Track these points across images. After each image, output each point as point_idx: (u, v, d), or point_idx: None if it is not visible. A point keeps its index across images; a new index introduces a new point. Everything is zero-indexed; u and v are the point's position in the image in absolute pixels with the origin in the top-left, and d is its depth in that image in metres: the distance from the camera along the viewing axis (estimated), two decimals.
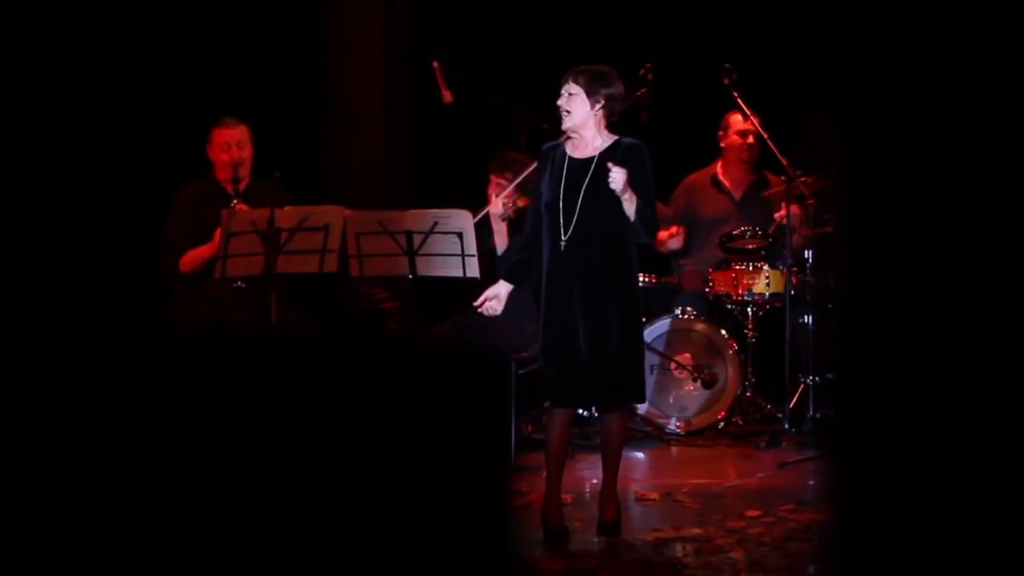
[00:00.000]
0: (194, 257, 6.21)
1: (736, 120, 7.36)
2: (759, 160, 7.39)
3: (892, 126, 2.00)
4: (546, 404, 5.25)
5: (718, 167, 7.52)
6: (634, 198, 4.94)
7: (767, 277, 7.04)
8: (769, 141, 7.07)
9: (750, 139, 7.36)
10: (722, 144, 7.50)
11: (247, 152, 6.31)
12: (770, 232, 7.05)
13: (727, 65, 7.03)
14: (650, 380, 7.08)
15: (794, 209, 6.89)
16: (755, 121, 7.13)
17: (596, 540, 4.97)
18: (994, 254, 1.97)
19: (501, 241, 6.10)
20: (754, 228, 7.08)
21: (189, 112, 6.76)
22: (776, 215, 7.07)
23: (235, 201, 6.12)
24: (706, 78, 7.33)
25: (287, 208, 5.94)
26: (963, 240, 1.98)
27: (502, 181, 6.30)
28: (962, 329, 1.98)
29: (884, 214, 2.02)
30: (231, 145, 6.29)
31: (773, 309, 7.10)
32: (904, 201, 2.00)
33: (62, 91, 5.93)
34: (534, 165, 5.49)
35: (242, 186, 6.21)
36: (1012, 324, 1.96)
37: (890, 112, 2.00)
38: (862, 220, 2.04)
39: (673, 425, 7.04)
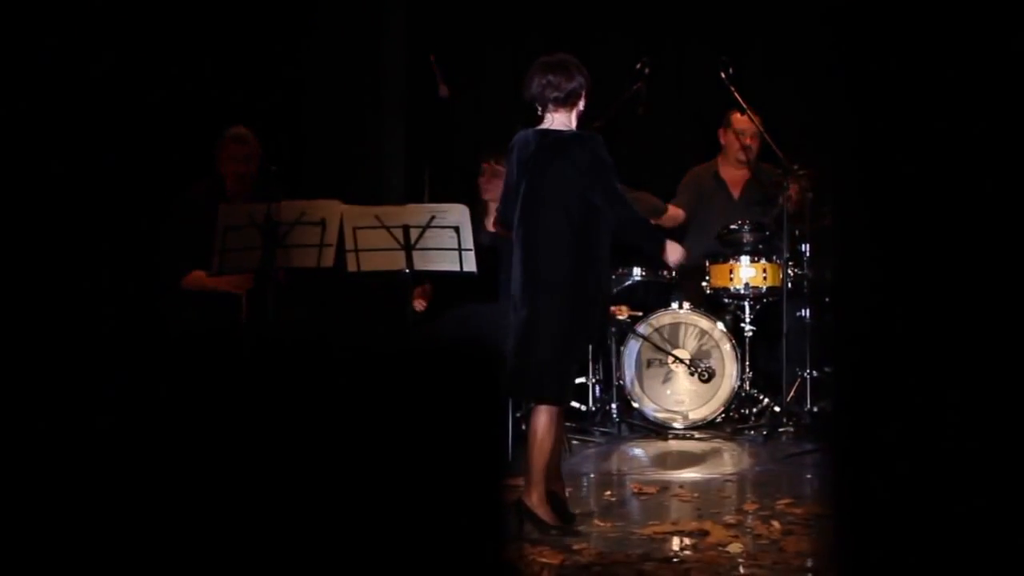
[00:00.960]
0: (198, 283, 6.21)
1: (735, 119, 7.35)
2: (759, 153, 7.38)
3: (888, 118, 2.00)
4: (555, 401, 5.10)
5: (719, 163, 7.53)
6: None
7: (764, 270, 7.04)
8: (766, 135, 7.06)
9: (747, 139, 7.35)
10: (722, 141, 7.50)
11: (253, 167, 6.35)
12: (777, 201, 6.98)
13: (723, 57, 7.01)
14: (648, 374, 7.09)
15: (793, 190, 6.86)
16: (751, 115, 7.12)
17: (594, 534, 4.97)
18: (991, 247, 1.97)
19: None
20: (751, 222, 7.08)
21: (187, 107, 6.75)
22: (781, 198, 7.00)
23: None
24: (703, 71, 7.33)
25: (284, 202, 5.94)
26: (960, 232, 1.97)
27: (499, 168, 6.35)
28: (960, 322, 1.98)
29: (881, 207, 2.01)
30: (238, 159, 6.35)
31: (770, 303, 7.10)
32: (901, 193, 2.00)
33: (60, 88, 5.92)
34: None
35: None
36: (1010, 317, 1.96)
37: (887, 104, 2.00)
38: (859, 213, 2.04)
39: (671, 419, 7.04)
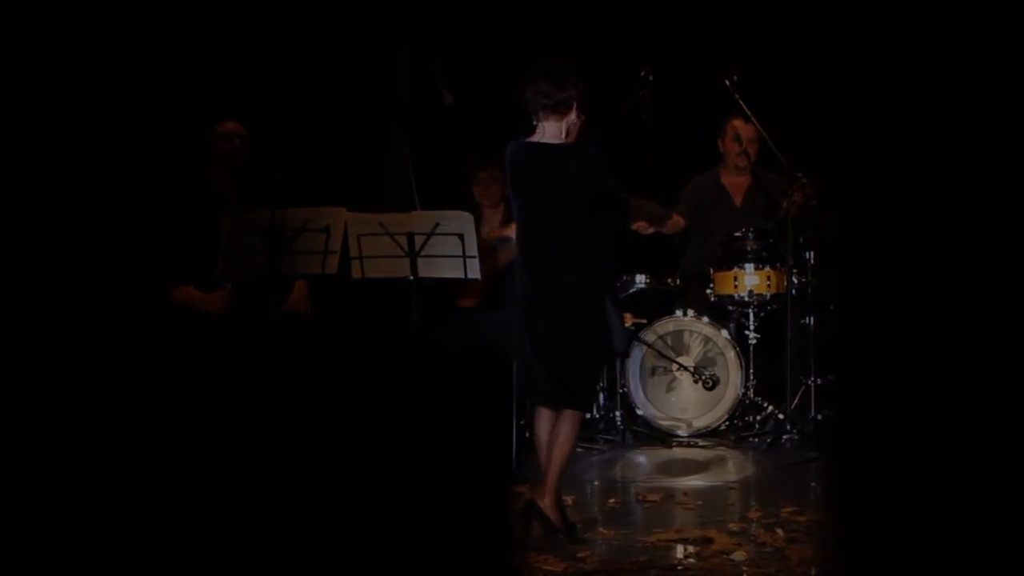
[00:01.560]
0: (187, 299, 6.22)
1: (733, 126, 7.36)
2: (761, 159, 7.38)
3: (895, 126, 2.00)
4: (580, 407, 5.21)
5: (720, 171, 7.54)
6: None
7: (768, 278, 7.03)
8: (769, 141, 7.05)
9: (745, 145, 7.35)
10: (721, 149, 7.51)
11: (243, 156, 6.39)
12: (781, 207, 6.98)
13: (728, 64, 7.01)
14: (652, 382, 7.09)
15: (797, 196, 6.86)
16: (755, 121, 7.12)
17: (598, 541, 4.97)
18: (996, 255, 1.97)
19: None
20: (755, 229, 7.08)
21: (190, 114, 6.76)
22: (785, 203, 6.99)
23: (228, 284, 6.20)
24: (707, 78, 7.33)
25: (288, 209, 5.94)
26: (965, 241, 1.97)
27: (496, 174, 6.37)
28: (963, 330, 1.97)
29: (886, 215, 2.01)
30: (234, 136, 6.40)
31: (775, 310, 7.10)
32: (906, 202, 2.00)
33: (64, 89, 5.93)
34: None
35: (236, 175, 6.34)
36: (1014, 326, 1.96)
37: (893, 112, 2.00)
38: (864, 222, 2.04)
39: (675, 426, 7.04)
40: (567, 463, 5.08)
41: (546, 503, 4.97)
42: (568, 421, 5.06)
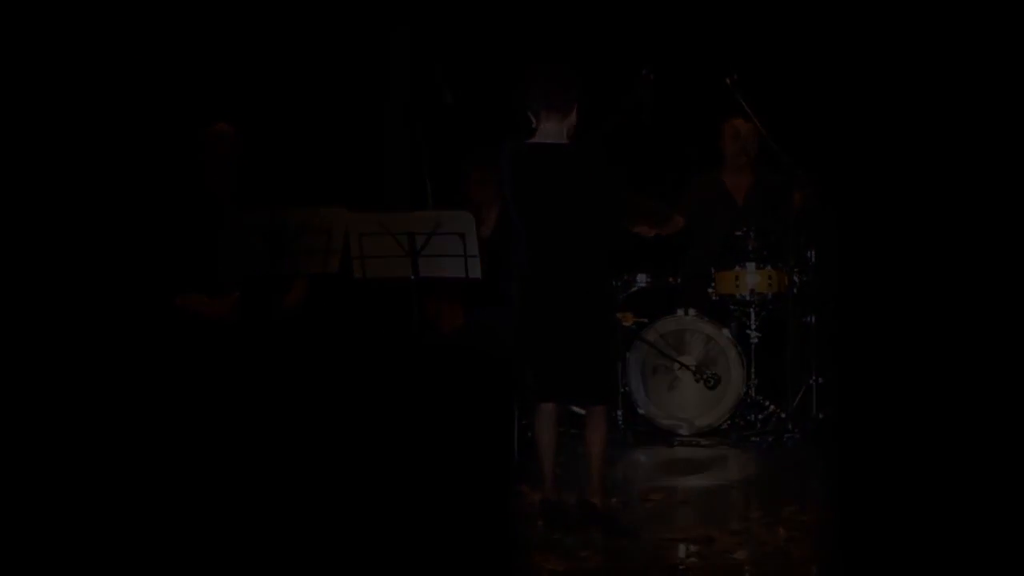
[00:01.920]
0: (192, 306, 6.23)
1: (732, 125, 7.38)
2: (762, 160, 7.39)
3: (892, 127, 2.01)
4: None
5: (722, 171, 7.55)
6: None
7: (770, 277, 7.04)
8: (770, 141, 7.06)
9: (743, 142, 7.36)
10: (721, 150, 7.52)
11: (237, 152, 6.44)
12: (782, 206, 6.99)
13: (728, 64, 7.02)
14: (654, 381, 7.09)
15: (798, 196, 6.88)
16: (756, 121, 7.12)
17: (599, 540, 4.97)
18: (995, 258, 1.97)
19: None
20: (757, 228, 7.09)
21: (191, 117, 6.77)
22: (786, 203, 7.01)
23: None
24: (707, 78, 7.33)
25: (289, 209, 5.95)
26: (964, 242, 1.98)
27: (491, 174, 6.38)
28: (964, 331, 1.98)
29: (885, 215, 2.02)
30: (225, 137, 6.44)
31: (776, 309, 7.10)
32: (906, 202, 2.01)
33: (62, 91, 5.94)
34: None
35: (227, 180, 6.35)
36: (1014, 323, 1.97)
37: (889, 113, 2.01)
38: (864, 221, 2.05)
39: (676, 426, 7.04)
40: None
41: (598, 503, 5.09)
42: (602, 418, 5.18)
